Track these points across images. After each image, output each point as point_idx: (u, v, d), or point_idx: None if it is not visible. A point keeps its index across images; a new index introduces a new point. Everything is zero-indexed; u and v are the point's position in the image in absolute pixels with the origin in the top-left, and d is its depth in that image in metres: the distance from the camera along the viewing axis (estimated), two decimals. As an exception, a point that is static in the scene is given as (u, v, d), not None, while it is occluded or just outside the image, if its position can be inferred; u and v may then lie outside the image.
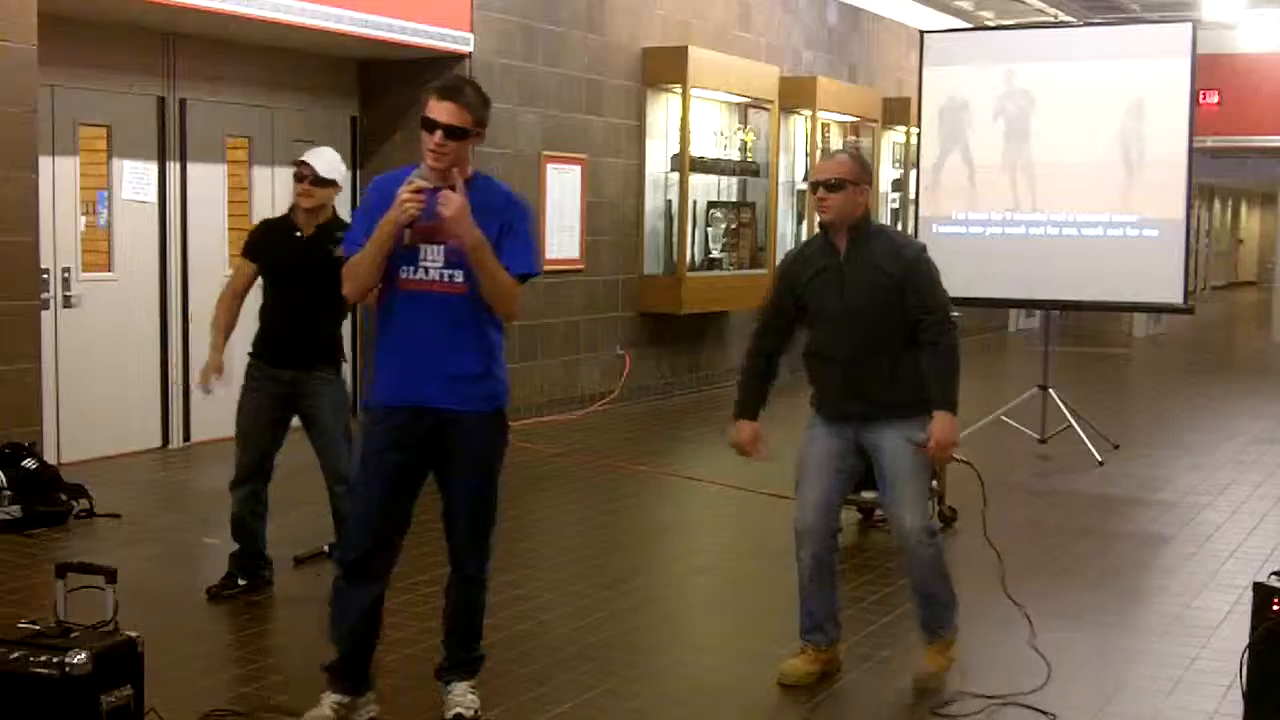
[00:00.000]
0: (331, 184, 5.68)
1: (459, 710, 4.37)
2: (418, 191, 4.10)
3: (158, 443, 9.20)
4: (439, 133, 4.12)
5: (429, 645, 5.15)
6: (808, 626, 4.95)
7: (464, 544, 4.41)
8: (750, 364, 5.03)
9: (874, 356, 4.77)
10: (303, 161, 5.69)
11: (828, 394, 4.91)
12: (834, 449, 4.87)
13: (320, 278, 5.30)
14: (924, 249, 4.89)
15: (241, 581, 5.78)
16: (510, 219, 4.27)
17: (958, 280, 4.88)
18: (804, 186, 14.22)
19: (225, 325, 5.83)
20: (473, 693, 4.44)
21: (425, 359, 4.24)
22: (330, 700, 4.33)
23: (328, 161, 5.70)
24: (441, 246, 4.20)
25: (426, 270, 4.22)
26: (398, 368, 4.29)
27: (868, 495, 6.64)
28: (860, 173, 4.84)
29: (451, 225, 4.09)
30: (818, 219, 4.94)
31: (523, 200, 4.43)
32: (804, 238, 14.15)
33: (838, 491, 4.92)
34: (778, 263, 13.47)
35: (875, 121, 15.37)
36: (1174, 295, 9.88)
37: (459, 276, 4.20)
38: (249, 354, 5.82)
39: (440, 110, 4.14)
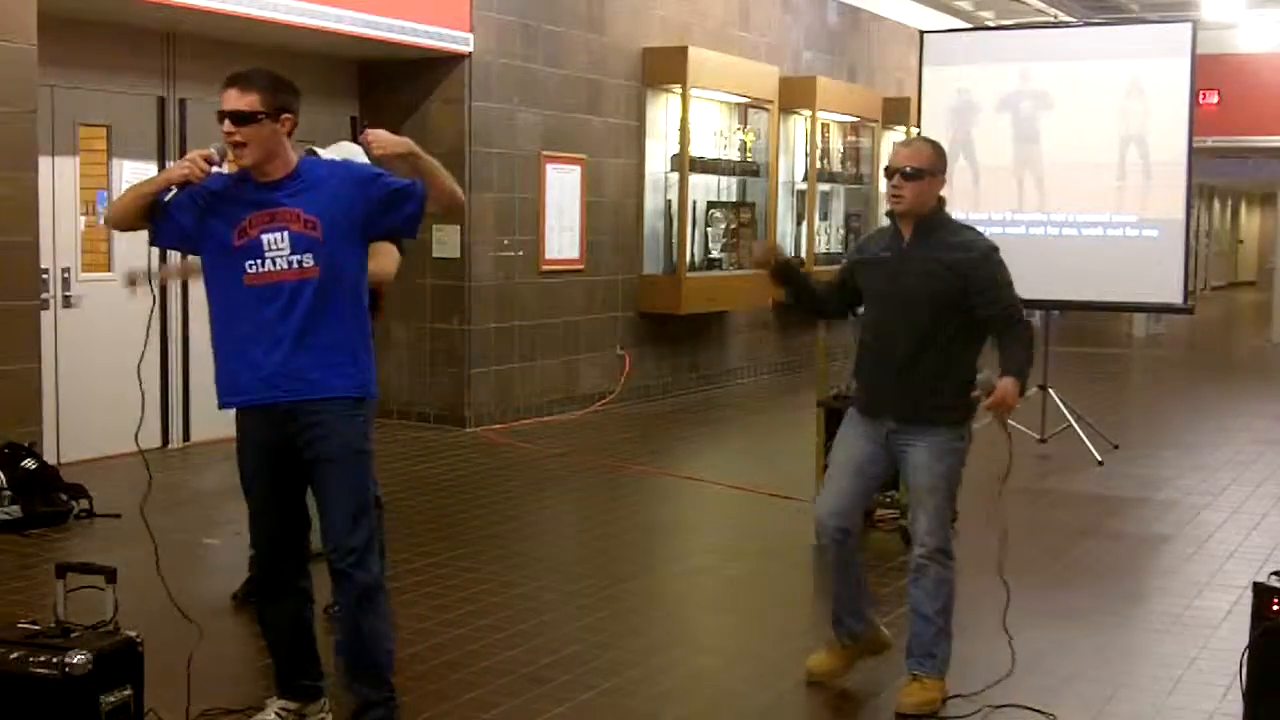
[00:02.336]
0: None
1: None
2: (205, 159, 3.93)
3: (158, 443, 9.19)
4: (226, 120, 3.92)
5: (426, 646, 5.17)
6: (832, 619, 4.92)
7: (342, 545, 4.02)
8: None
9: (921, 353, 4.59)
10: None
11: (869, 385, 4.75)
12: (865, 452, 4.72)
13: None
14: (994, 248, 4.64)
15: None
16: (369, 173, 4.07)
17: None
18: (804, 186, 14.22)
19: None
20: None
21: (284, 352, 3.94)
22: (276, 705, 4.25)
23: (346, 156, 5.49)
24: (285, 231, 3.95)
25: (274, 260, 3.95)
26: (250, 366, 3.99)
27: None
28: (939, 162, 4.63)
29: (390, 152, 3.93)
30: (885, 207, 4.74)
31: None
32: (803, 238, 14.14)
33: (861, 494, 4.79)
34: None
35: (875, 121, 15.36)
36: (1174, 295, 9.87)
37: (309, 260, 3.95)
38: None
39: (224, 98, 3.94)
